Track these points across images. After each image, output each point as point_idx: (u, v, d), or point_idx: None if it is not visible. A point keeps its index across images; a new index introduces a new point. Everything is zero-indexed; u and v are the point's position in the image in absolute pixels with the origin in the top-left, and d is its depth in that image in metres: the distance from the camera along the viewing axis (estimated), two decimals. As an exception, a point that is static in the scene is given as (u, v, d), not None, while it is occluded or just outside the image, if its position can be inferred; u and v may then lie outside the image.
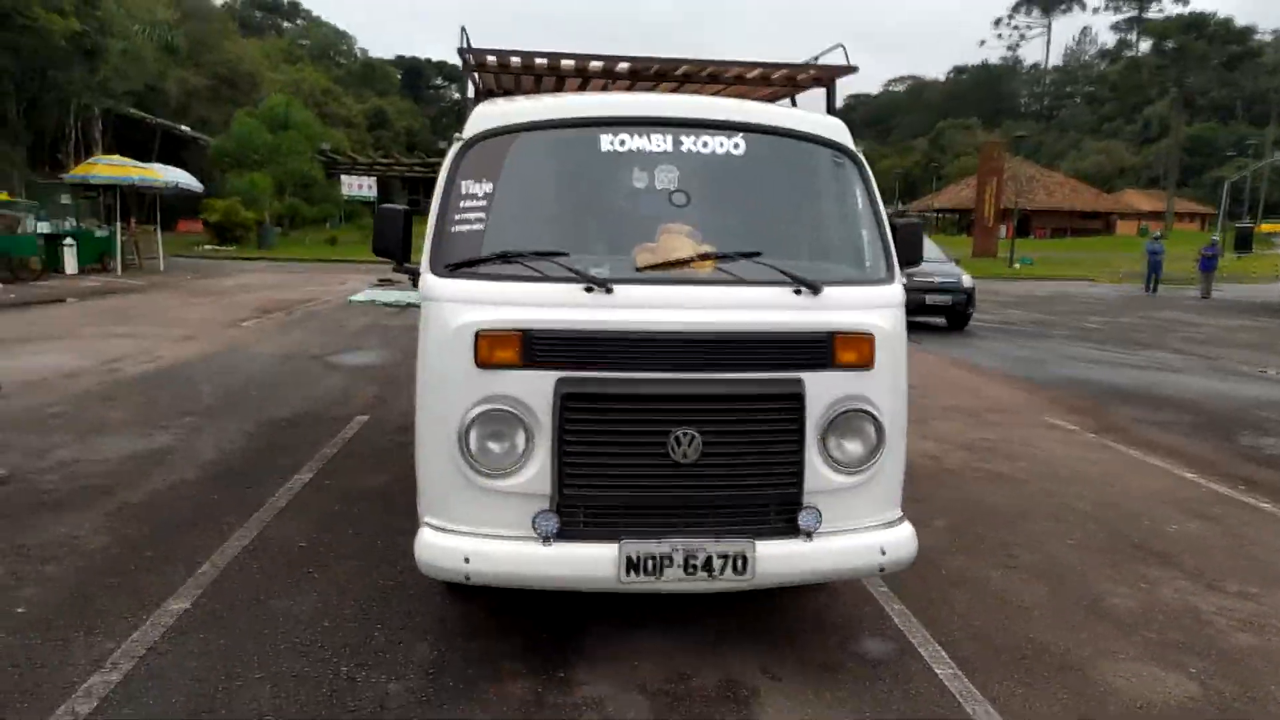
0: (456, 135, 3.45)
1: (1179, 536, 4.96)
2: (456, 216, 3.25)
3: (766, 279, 3.13)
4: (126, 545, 4.33)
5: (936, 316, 14.43)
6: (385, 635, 3.50)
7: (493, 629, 3.58)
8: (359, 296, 16.08)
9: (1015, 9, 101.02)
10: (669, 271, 3.13)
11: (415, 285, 3.63)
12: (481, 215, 3.24)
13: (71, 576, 3.96)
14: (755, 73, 4.30)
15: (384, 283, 20.54)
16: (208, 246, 32.15)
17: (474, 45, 4.01)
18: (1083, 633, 3.73)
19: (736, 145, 3.36)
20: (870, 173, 3.54)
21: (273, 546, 4.36)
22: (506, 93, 4.75)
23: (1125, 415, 8.31)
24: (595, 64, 4.16)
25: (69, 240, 20.15)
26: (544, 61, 4.15)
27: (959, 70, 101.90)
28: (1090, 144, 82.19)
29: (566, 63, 4.15)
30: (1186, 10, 76.79)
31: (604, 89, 4.65)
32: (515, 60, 4.18)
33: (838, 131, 3.55)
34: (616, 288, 3.02)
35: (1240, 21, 71.35)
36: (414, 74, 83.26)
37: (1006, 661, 3.46)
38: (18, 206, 19.50)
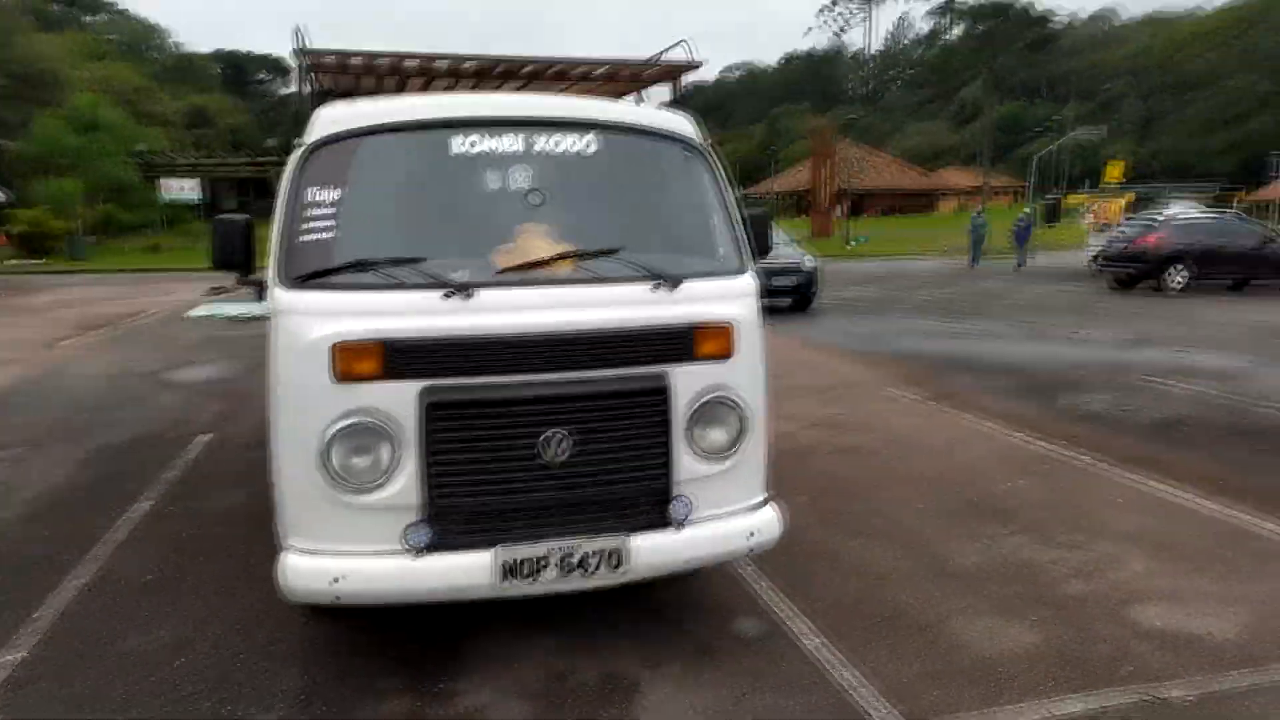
0: (297, 140, 3.31)
1: (1012, 494, 5.35)
2: (304, 225, 3.12)
3: (626, 275, 3.17)
4: (-54, 596, 3.96)
5: (783, 298, 14.93)
6: (249, 666, 3.35)
7: (364, 647, 3.49)
8: (198, 311, 15.05)
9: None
10: (529, 273, 3.12)
11: (261, 297, 3.48)
12: (330, 223, 3.13)
13: (-117, 637, 3.59)
14: (601, 70, 4.33)
15: (216, 291, 19.47)
16: (14, 261, 29.50)
17: (310, 44, 3.86)
18: (935, 592, 3.98)
19: (589, 143, 3.38)
20: (720, 165, 3.63)
21: (116, 582, 4.08)
22: (346, 93, 4.58)
23: (958, 382, 8.87)
24: (440, 64, 4.08)
25: None
26: (386, 61, 4.04)
27: (789, 58, 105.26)
28: (912, 125, 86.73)
29: (410, 62, 4.05)
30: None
31: (448, 89, 4.57)
32: (356, 60, 4.05)
33: (686, 126, 3.62)
34: (477, 292, 2.99)
35: (1039, 6, 76.66)
36: (236, 68, 78.80)
37: (868, 627, 3.65)
38: None
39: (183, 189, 39.58)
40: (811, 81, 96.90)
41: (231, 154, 47.55)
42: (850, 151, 53.31)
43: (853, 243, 36.53)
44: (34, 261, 29.29)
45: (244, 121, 65.21)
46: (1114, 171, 33.81)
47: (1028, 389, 8.52)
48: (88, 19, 68.66)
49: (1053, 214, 31.41)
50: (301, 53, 3.86)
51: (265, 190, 47.38)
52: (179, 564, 4.29)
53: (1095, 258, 21.35)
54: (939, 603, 3.87)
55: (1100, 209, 27.49)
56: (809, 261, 15.53)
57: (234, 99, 69.02)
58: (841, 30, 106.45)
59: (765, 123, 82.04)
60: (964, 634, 3.58)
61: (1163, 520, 4.89)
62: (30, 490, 5.47)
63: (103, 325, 13.88)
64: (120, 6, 71.10)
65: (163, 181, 39.14)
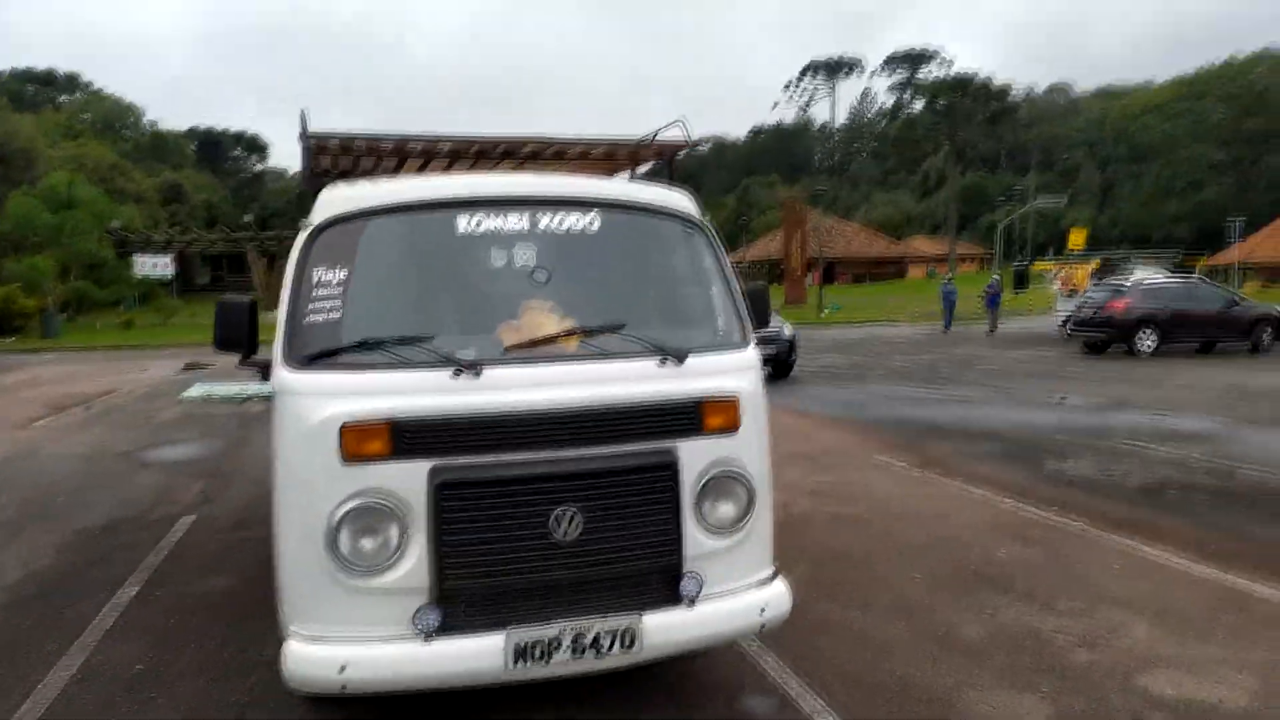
0: (304, 221, 3.34)
1: (1009, 561, 5.35)
2: (310, 306, 3.13)
3: (632, 351, 3.19)
4: (-75, 692, 3.81)
5: (763, 367, 15.01)
6: (249, 757, 3.24)
7: (368, 735, 3.39)
8: (192, 392, 14.74)
9: (802, 73, 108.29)
10: (536, 350, 3.13)
11: (265, 377, 3.46)
12: (337, 303, 3.13)
13: None
14: (600, 150, 4.42)
15: (191, 368, 19.29)
16: (-18, 339, 29.11)
17: (312, 128, 3.91)
18: (941, 665, 3.94)
19: (592, 221, 3.43)
20: (718, 240, 3.70)
21: (105, 672, 3.95)
22: (344, 173, 4.64)
23: (944, 450, 8.92)
24: (442, 145, 4.15)
25: None
26: (390, 144, 4.11)
27: (757, 130, 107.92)
28: (879, 196, 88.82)
29: (413, 145, 4.12)
30: (953, 72, 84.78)
31: (446, 169, 4.63)
32: (359, 143, 4.11)
33: (685, 202, 3.69)
34: (485, 370, 2.99)
35: (998, 80, 79.44)
36: (210, 145, 79.31)
37: (879, 701, 3.61)
38: None
39: (156, 265, 39.44)
40: (779, 153, 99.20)
41: (205, 229, 47.57)
42: (820, 220, 54.32)
43: (827, 310, 36.97)
44: (5, 340, 28.92)
45: (218, 197, 65.46)
46: (1077, 238, 34.62)
47: (1013, 455, 8.58)
48: (63, 98, 69.22)
49: (1021, 281, 32.04)
50: (306, 135, 3.91)
51: (238, 265, 47.42)
52: (169, 651, 4.16)
53: (1065, 323, 21.75)
54: (946, 675, 3.83)
55: (1067, 275, 28.04)
56: (787, 330, 15.70)
57: (208, 175, 69.37)
58: (807, 105, 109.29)
59: (736, 193, 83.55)
60: (976, 707, 3.55)
61: (1160, 585, 4.90)
62: (11, 575, 5.32)
63: (77, 404, 13.68)
64: (95, 86, 71.79)
65: (136, 257, 39.01)
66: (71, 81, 72.61)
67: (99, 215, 37.35)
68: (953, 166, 75.96)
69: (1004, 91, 78.37)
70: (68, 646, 4.23)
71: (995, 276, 29.64)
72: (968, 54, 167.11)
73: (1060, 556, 5.43)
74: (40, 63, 79.02)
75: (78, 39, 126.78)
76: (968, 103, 75.77)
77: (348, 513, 2.86)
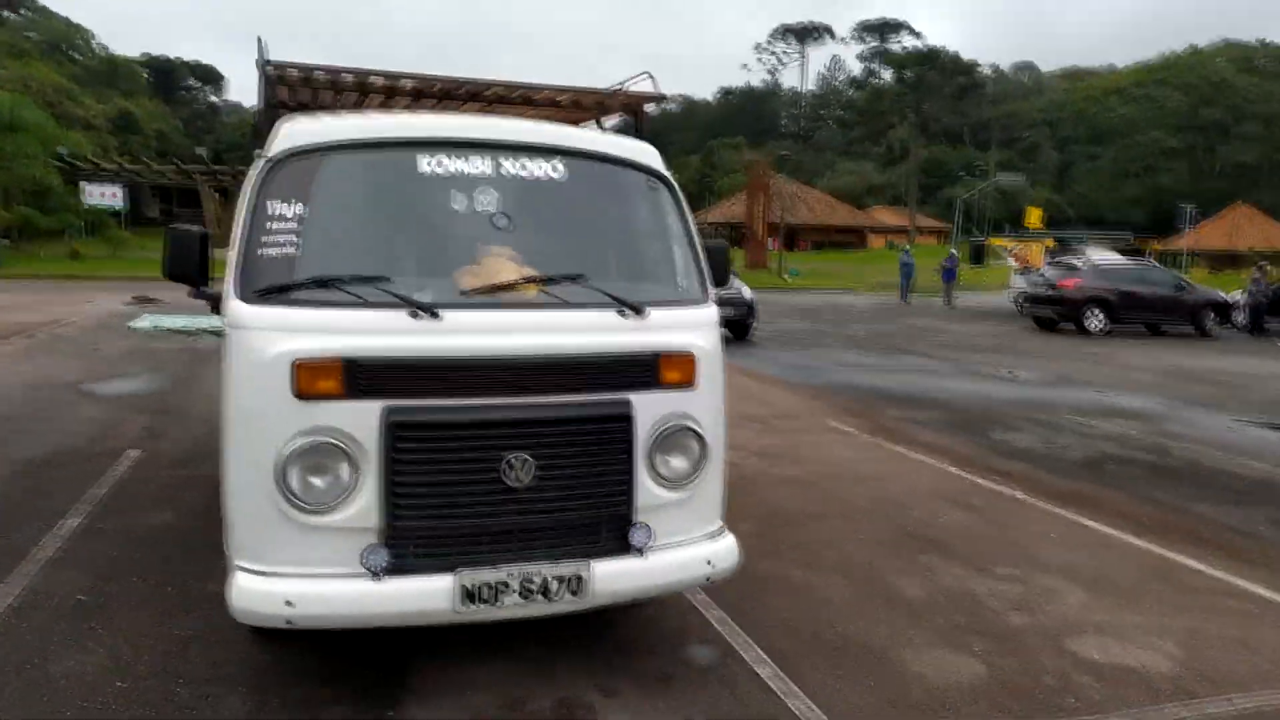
0: (259, 152, 3.26)
1: (950, 526, 5.49)
2: (264, 239, 3.07)
3: (591, 302, 3.19)
4: None
5: (721, 328, 15.08)
6: (190, 690, 3.23)
7: (311, 672, 3.39)
8: (141, 323, 14.38)
9: (773, 37, 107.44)
10: (495, 296, 3.11)
11: (215, 311, 3.40)
12: (293, 238, 3.08)
13: None
14: (566, 97, 4.37)
15: (139, 300, 18.87)
16: (-81, 263, 28.13)
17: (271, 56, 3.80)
18: (881, 622, 4.05)
19: (556, 169, 3.40)
20: (682, 196, 3.69)
21: (46, 601, 3.90)
22: (302, 106, 4.53)
23: (894, 416, 9.08)
24: (405, 83, 4.06)
25: None
26: (351, 78, 4.01)
27: (727, 91, 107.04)
28: (843, 164, 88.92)
29: (375, 80, 4.02)
30: (923, 45, 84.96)
31: (408, 109, 4.54)
32: (320, 75, 4.01)
33: (651, 157, 3.66)
34: (444, 313, 2.96)
35: (965, 56, 79.74)
36: (164, 74, 76.57)
37: (819, 655, 3.70)
38: None
39: (105, 195, 38.31)
40: (747, 116, 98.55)
41: (157, 160, 46.17)
42: (784, 186, 54.31)
43: (788, 275, 37.15)
44: (-59, 264, 27.96)
45: (170, 128, 63.51)
46: (1033, 216, 35.15)
47: (960, 424, 8.75)
48: (7, 15, 66.25)
49: (978, 256, 32.49)
50: (264, 64, 3.80)
51: (190, 199, 46.18)
52: (112, 583, 4.12)
53: (1018, 299, 22.12)
54: (885, 633, 3.94)
55: (1022, 252, 28.50)
56: (747, 292, 15.77)
57: (161, 105, 67.16)
58: (776, 69, 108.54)
59: (701, 154, 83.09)
60: (912, 664, 3.65)
61: (1094, 555, 5.07)
62: (-54, 504, 5.20)
63: (18, 334, 13.31)
64: (42, 4, 68.75)
65: (85, 185, 37.82)
66: (16, -1, 69.51)
67: (45, 140, 36.01)
68: (916, 138, 76.38)
69: (971, 66, 78.73)
70: (7, 575, 4.15)
71: (953, 251, 30.03)
72: (936, 30, 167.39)
73: (1000, 524, 5.58)
74: (-16, -23, 75.42)
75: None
76: (935, 76, 76.05)
77: (298, 449, 2.84)
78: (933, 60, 76.57)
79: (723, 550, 3.39)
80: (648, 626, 3.91)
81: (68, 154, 38.82)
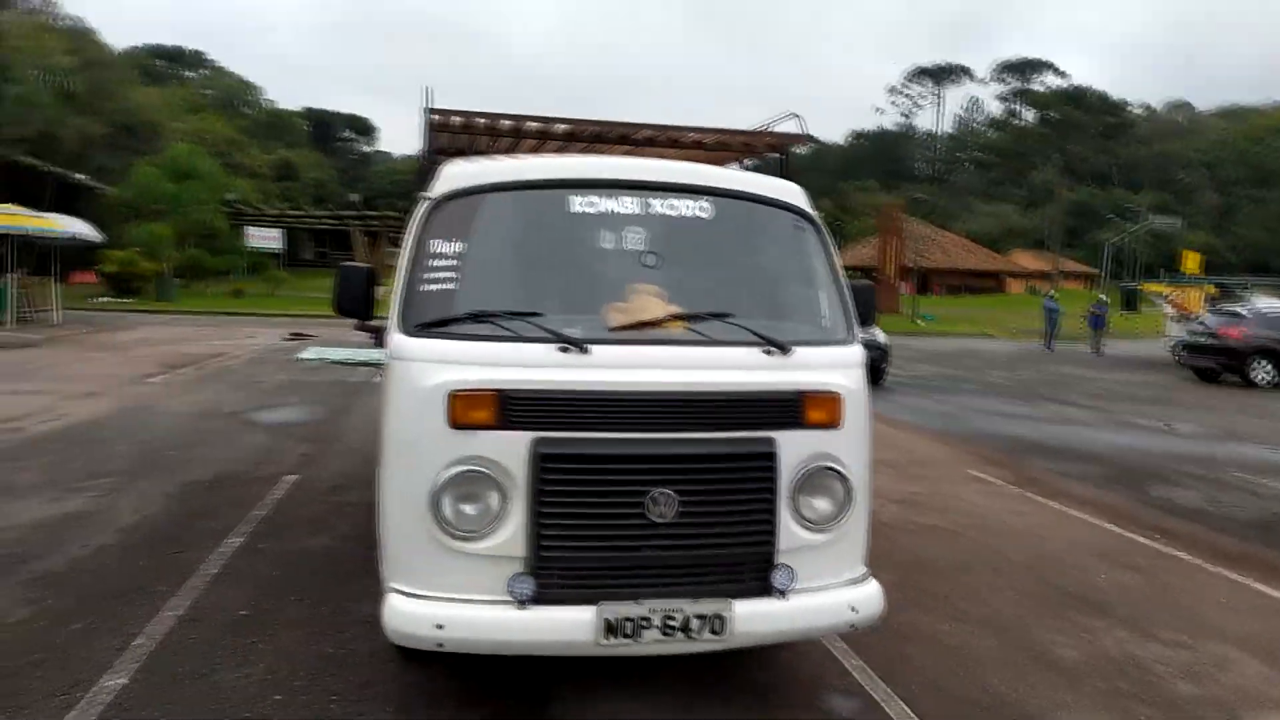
0: (422, 194, 3.43)
1: (1109, 587, 5.16)
2: (426, 275, 3.22)
3: (737, 339, 3.19)
4: (50, 617, 4.06)
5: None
6: (342, 707, 3.35)
7: (456, 695, 3.47)
8: (309, 354, 15.34)
9: (909, 79, 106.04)
10: (642, 332, 3.15)
11: (379, 344, 3.57)
12: (452, 274, 3.22)
13: (-9, 654, 3.68)
14: (713, 138, 4.42)
15: (296, 336, 20.02)
16: (104, 299, 30.75)
17: (435, 105, 4.02)
18: (1034, 683, 3.83)
19: (703, 208, 3.43)
20: (828, 236, 3.66)
21: (211, 615, 4.14)
22: (459, 151, 4.75)
23: (1041, 468, 8.65)
24: (559, 127, 4.21)
25: (-46, 292, 19.06)
26: (508, 123, 4.19)
27: (858, 135, 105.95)
28: (981, 207, 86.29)
29: (530, 124, 4.19)
30: (1067, 84, 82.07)
31: (559, 151, 4.70)
32: (480, 120, 4.21)
33: (798, 196, 3.66)
34: (593, 348, 3.02)
35: (1113, 95, 76.56)
36: (322, 126, 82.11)
37: (967, 714, 3.52)
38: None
39: (265, 238, 41.11)
40: (878, 159, 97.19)
41: (313, 207, 49.24)
42: (918, 229, 53.17)
43: (921, 320, 36.21)
44: (124, 300, 30.51)
45: (326, 176, 67.73)
46: (1191, 261, 33.11)
47: (1115, 478, 8.26)
48: (188, 74, 72.45)
49: (1130, 302, 30.75)
50: (429, 111, 4.01)
51: (342, 242, 48.99)
52: (271, 600, 4.34)
53: (1176, 348, 20.83)
54: (1040, 695, 3.72)
55: (1179, 298, 26.83)
56: (881, 336, 15.44)
57: (319, 154, 71.80)
58: (911, 110, 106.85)
59: (832, 198, 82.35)
60: (1070, 729, 3.43)
61: (1271, 623, 4.67)
62: (126, 520, 5.61)
63: (188, 364, 14.33)
64: (218, 64, 74.94)
65: (249, 230, 40.71)
66: (197, 58, 76.00)
67: (216, 187, 38.99)
68: (1061, 180, 73.47)
69: (1121, 105, 75.39)
70: (178, 588, 4.44)
71: (1102, 296, 28.57)
72: (1081, 68, 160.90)
73: (1163, 585, 5.21)
74: (169, 40, 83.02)
75: (204, 18, 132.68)
76: (1081, 115, 73.14)
77: (451, 478, 2.94)
78: (1079, 99, 73.77)
79: (867, 597, 3.29)
80: (784, 671, 3.82)
81: (235, 200, 41.91)
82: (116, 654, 3.68)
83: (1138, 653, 4.20)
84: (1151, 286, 31.89)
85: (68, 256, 30.62)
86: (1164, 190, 75.56)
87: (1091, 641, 4.31)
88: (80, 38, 41.60)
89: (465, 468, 2.94)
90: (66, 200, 35.14)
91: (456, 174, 3.41)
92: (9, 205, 21.15)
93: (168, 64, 72.43)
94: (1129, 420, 12.36)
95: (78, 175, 36.80)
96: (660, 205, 3.40)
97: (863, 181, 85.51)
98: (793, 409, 3.16)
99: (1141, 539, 6.17)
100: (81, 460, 7.21)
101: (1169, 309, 26.61)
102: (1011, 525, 6.42)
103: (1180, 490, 7.85)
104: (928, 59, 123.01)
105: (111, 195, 36.24)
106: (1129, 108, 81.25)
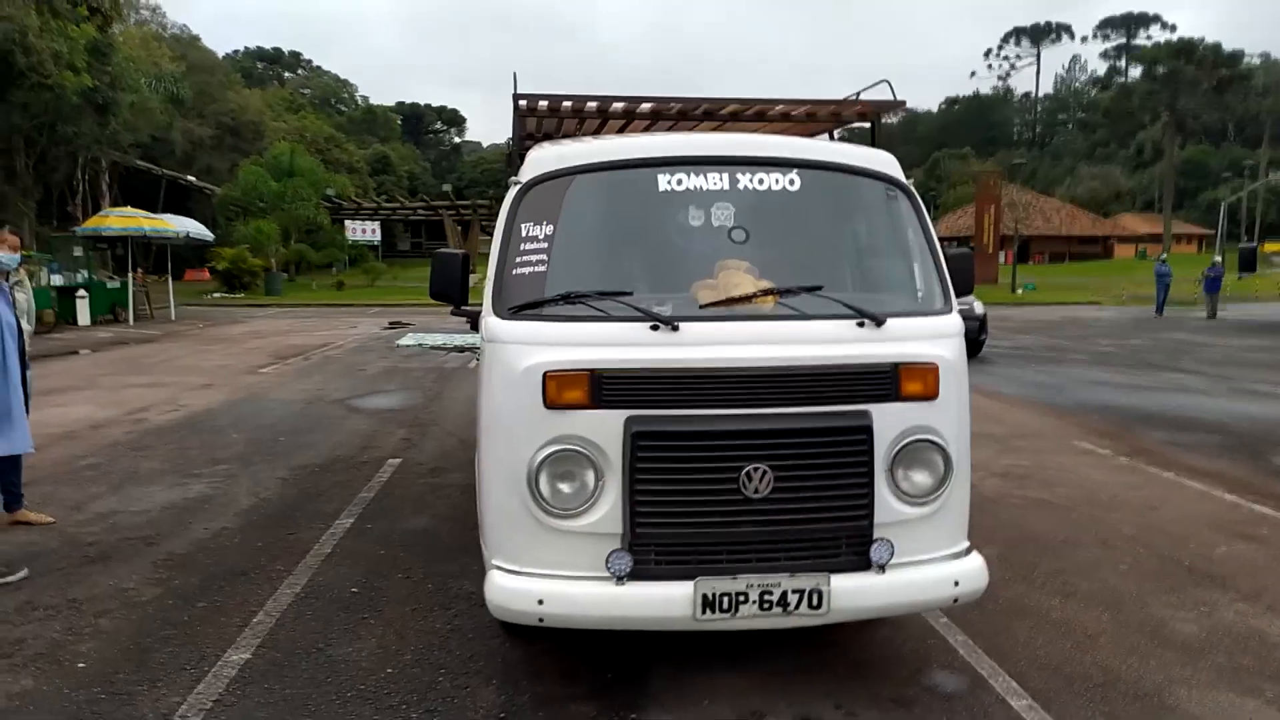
0: (513, 179, 3.48)
1: (1229, 559, 4.93)
2: (518, 259, 3.27)
3: (829, 313, 3.14)
4: (178, 596, 4.31)
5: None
6: (450, 681, 3.46)
7: (557, 670, 3.54)
8: (405, 341, 15.91)
9: (1005, 40, 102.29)
10: (732, 308, 3.14)
11: (474, 328, 3.65)
12: (543, 257, 3.26)
13: (127, 629, 3.93)
14: (801, 109, 4.36)
15: (395, 325, 20.61)
16: (217, 295, 32.27)
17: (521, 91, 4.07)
18: (1151, 659, 3.69)
19: (791, 181, 3.39)
20: (922, 204, 3.57)
21: (325, 593, 4.33)
22: (546, 136, 4.81)
23: (1154, 438, 8.29)
24: (644, 106, 4.22)
25: (81, 292, 20.25)
26: (594, 105, 4.21)
27: (951, 101, 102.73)
28: (1084, 169, 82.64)
29: (615, 105, 4.21)
30: (1175, 37, 77.76)
31: (645, 130, 4.70)
32: (566, 105, 4.24)
33: (889, 165, 3.58)
34: (683, 325, 3.03)
35: (1227, 46, 72.06)
36: (414, 119, 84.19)
37: (1080, 691, 3.42)
38: (33, 259, 19.61)
39: (365, 231, 42.42)
40: (973, 126, 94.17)
41: (408, 198, 50.49)
42: (1017, 196, 51.30)
43: (1021, 289, 35.01)
44: (235, 296, 31.94)
45: (419, 168, 69.43)
46: (1318, 218, 31.06)
47: (1234, 448, 7.86)
48: (287, 75, 75.04)
49: (1247, 263, 29.08)
50: (518, 97, 4.07)
51: (436, 232, 50.19)
52: (379, 578, 4.51)
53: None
54: (1157, 671, 3.59)
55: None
56: (978, 306, 14.99)
57: (411, 147, 73.62)
58: (1008, 74, 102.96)
59: (925, 166, 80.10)
60: (1190, 706, 3.30)
61: None
62: (243, 503, 5.90)
63: (295, 355, 14.92)
64: (315, 64, 77.44)
65: (348, 223, 42.06)
66: (295, 59, 78.83)
67: (316, 183, 40.38)
68: (1171, 138, 69.84)
69: (1235, 57, 70.97)
70: (293, 567, 4.66)
71: (1217, 258, 27.07)
72: (1190, 21, 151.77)
73: (1290, 558, 4.95)
74: (269, 42, 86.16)
75: (302, 20, 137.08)
76: (1192, 70, 69.11)
77: (548, 457, 2.99)
78: (1189, 53, 69.51)
79: (970, 571, 3.22)
80: (884, 647, 3.78)
81: (334, 195, 43.31)
82: (239, 630, 3.89)
83: (1262, 627, 4.01)
84: (1271, 247, 30.03)
85: (182, 255, 32.28)
86: (1285, 143, 70.98)
87: (1210, 615, 4.14)
88: (185, 44, 43.57)
89: (561, 447, 2.99)
90: (177, 200, 37.02)
91: (543, 158, 3.45)
92: (126, 208, 22.38)
93: (267, 65, 75.27)
94: (1246, 387, 11.73)
95: (187, 176, 38.62)
96: (748, 179, 3.37)
97: (958, 149, 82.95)
98: (888, 381, 3.11)
99: (1264, 509, 5.86)
100: (200, 448, 7.61)
101: (1293, 269, 25.07)
102: (1122, 497, 6.18)
103: (1308, 459, 7.42)
104: (1022, 20, 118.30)
105: (219, 194, 37.91)
106: (1245, 58, 76.36)
